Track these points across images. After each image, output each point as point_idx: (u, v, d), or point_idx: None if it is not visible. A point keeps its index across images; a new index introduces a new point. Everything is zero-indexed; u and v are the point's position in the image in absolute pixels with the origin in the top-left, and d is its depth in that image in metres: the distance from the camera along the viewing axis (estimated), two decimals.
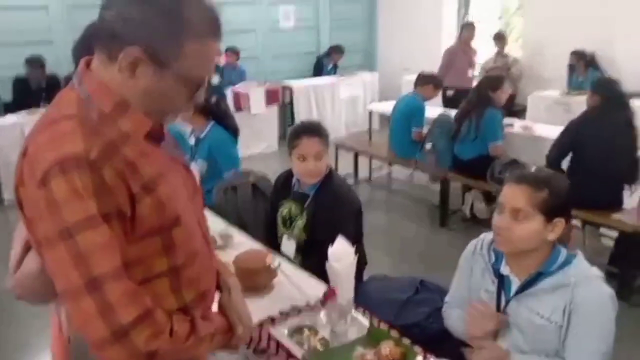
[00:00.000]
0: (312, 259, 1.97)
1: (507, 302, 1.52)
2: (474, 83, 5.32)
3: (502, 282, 1.55)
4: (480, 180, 3.90)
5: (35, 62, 5.28)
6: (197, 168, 3.22)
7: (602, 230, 3.60)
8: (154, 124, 1.01)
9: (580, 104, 5.04)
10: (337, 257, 1.53)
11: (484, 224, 4.14)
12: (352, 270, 1.54)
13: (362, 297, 2.10)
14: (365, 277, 2.30)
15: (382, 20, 8.77)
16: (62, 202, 0.86)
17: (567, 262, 1.47)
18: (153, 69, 0.95)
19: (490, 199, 4.14)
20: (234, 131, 3.26)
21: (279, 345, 1.50)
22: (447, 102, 5.89)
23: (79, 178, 0.87)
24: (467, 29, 6.25)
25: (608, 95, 3.28)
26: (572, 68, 6.14)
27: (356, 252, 2.28)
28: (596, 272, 1.47)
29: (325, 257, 1.95)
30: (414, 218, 4.50)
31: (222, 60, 6.59)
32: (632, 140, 3.24)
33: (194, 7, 0.95)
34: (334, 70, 7.82)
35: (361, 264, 2.34)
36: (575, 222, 3.56)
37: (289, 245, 2.23)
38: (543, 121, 5.00)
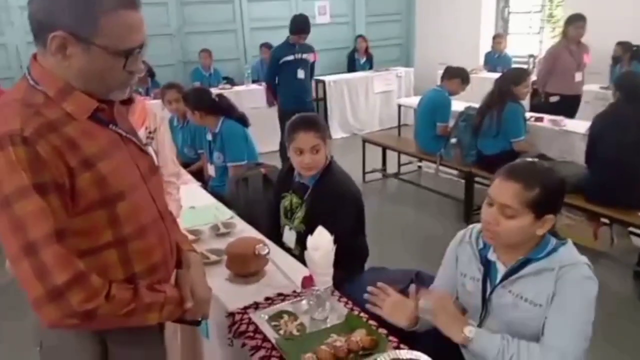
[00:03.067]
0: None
1: (493, 289, 1.50)
2: (584, 87, 4.95)
3: (488, 269, 1.53)
4: None
5: None
6: (215, 161, 3.34)
7: (635, 229, 3.45)
8: (102, 104, 1.11)
9: None
10: (316, 245, 1.56)
11: None
12: (330, 259, 1.56)
13: (357, 287, 2.11)
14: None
15: (420, 14, 8.65)
16: (0, 174, 0.97)
17: (554, 249, 1.44)
18: (80, 48, 1.04)
19: None
20: (243, 122, 3.32)
21: (256, 329, 1.53)
22: (552, 110, 4.80)
23: (13, 152, 0.97)
24: (574, 25, 4.95)
25: (628, 89, 3.12)
26: (616, 60, 5.87)
27: (357, 244, 2.33)
28: (582, 259, 1.44)
29: None
30: (438, 213, 4.44)
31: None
32: None
33: None
34: (370, 65, 7.80)
35: (362, 255, 2.35)
36: (603, 220, 3.44)
37: (289, 236, 2.27)
38: (581, 116, 4.80)
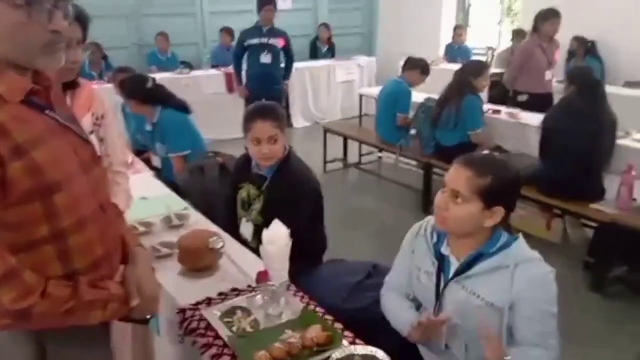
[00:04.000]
0: None
1: (446, 284, 1.50)
2: (554, 85, 4.73)
3: (442, 263, 1.52)
4: None
5: None
6: (159, 152, 3.22)
7: (587, 221, 3.55)
8: (36, 86, 1.03)
9: None
10: (271, 239, 1.50)
11: None
12: (285, 253, 1.51)
13: (314, 280, 2.08)
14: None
15: (382, 3, 8.64)
16: None
17: (506, 244, 1.45)
18: None
19: None
20: (184, 109, 3.18)
21: (208, 325, 1.48)
22: (522, 108, 4.57)
23: None
24: (550, 21, 4.62)
25: (581, 83, 3.20)
26: (571, 54, 6.02)
27: (315, 236, 2.29)
28: (536, 255, 1.45)
29: None
30: (397, 204, 4.46)
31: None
32: (605, 129, 3.17)
33: None
34: (331, 54, 7.75)
35: (319, 248, 2.32)
36: (556, 211, 3.52)
37: (246, 228, 2.20)
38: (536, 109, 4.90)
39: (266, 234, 1.53)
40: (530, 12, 6.56)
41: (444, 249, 1.53)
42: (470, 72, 3.89)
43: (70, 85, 1.76)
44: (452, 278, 1.49)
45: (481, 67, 3.98)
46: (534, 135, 3.73)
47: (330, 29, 7.69)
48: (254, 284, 1.70)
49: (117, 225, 1.27)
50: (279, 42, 5.14)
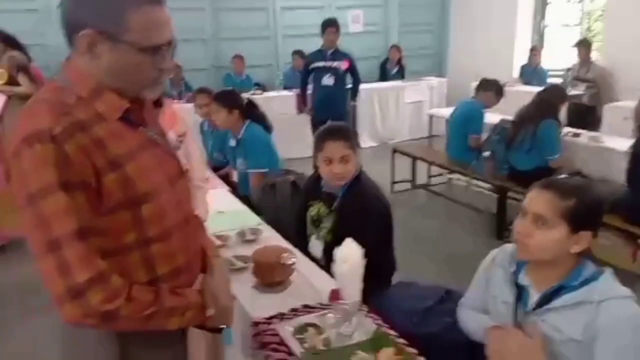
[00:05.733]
0: None
1: (525, 316, 1.43)
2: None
3: (520, 294, 1.45)
4: None
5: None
6: (239, 167, 3.33)
7: None
8: (132, 105, 1.11)
9: None
10: (344, 258, 1.51)
11: None
12: (358, 273, 1.51)
13: (385, 302, 2.05)
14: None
15: (454, 24, 8.55)
16: (27, 171, 0.99)
17: (593, 278, 1.35)
18: (109, 46, 1.06)
19: None
20: (267, 128, 3.30)
21: (281, 341, 1.49)
22: None
23: (41, 150, 0.98)
24: None
25: None
26: None
27: (385, 256, 2.27)
28: (626, 292, 1.34)
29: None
30: (468, 228, 4.33)
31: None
32: None
33: None
34: (401, 75, 7.74)
35: (389, 269, 2.29)
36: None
37: (316, 245, 2.22)
38: (618, 134, 4.63)
39: (339, 252, 1.54)
40: (613, 34, 6.34)
41: (523, 279, 1.46)
42: (555, 95, 3.75)
43: (155, 105, 1.86)
44: (532, 311, 1.42)
45: (564, 91, 3.83)
46: (619, 160, 3.53)
47: (401, 50, 7.70)
48: (325, 302, 1.70)
49: (199, 236, 1.32)
50: (343, 65, 5.21)
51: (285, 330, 1.54)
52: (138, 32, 1.05)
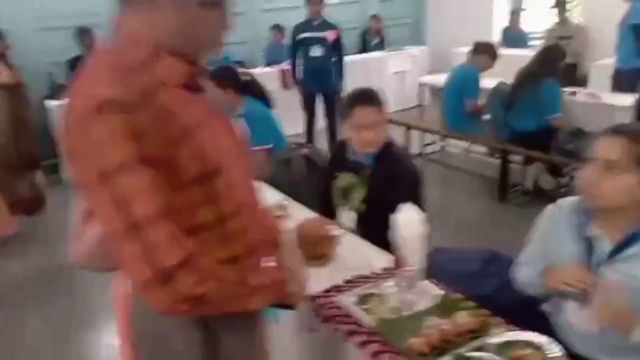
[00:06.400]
0: (373, 230, 1.90)
1: (599, 267, 1.40)
2: None
3: (590, 245, 1.43)
4: (542, 152, 3.72)
5: (87, 33, 5.20)
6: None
7: None
8: (191, 70, 1.00)
9: None
10: (405, 224, 1.45)
11: (549, 196, 3.96)
12: (422, 237, 1.45)
13: (429, 268, 2.01)
14: None
15: None
16: (101, 145, 0.87)
17: None
18: (172, 2, 0.94)
19: (555, 170, 3.95)
20: (267, 104, 3.23)
21: (347, 313, 1.43)
22: None
23: (117, 121, 0.86)
24: None
25: None
26: None
27: None
28: None
29: (385, 228, 1.89)
30: (470, 193, 4.33)
31: None
32: None
33: None
34: (381, 46, 7.64)
35: None
36: None
37: (348, 216, 2.16)
38: (606, 91, 4.68)
39: (399, 219, 1.47)
40: None
41: (594, 230, 1.43)
42: (554, 54, 3.75)
43: None
44: (606, 260, 1.39)
45: (563, 50, 3.83)
46: (622, 115, 3.56)
47: (381, 20, 7.58)
48: (377, 271, 1.65)
49: (265, 210, 1.24)
50: (330, 35, 5.07)
51: (348, 301, 1.48)
52: None
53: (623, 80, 4.33)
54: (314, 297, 1.53)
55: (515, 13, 7.02)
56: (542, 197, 3.99)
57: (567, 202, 1.53)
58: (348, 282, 1.60)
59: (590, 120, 3.92)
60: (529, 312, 1.64)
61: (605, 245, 1.41)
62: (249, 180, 1.14)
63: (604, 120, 3.85)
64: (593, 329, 1.39)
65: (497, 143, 4.12)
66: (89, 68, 0.96)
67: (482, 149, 4.58)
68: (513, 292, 1.72)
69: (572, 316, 1.47)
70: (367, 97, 2.04)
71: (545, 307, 1.65)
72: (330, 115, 5.31)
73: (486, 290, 1.84)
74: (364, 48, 7.66)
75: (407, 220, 1.45)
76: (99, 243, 1.09)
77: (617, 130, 1.37)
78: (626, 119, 3.35)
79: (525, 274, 1.61)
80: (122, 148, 0.86)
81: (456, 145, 5.05)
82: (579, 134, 3.67)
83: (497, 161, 4.33)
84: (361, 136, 2.02)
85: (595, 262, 1.41)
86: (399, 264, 1.50)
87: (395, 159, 2.08)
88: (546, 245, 1.55)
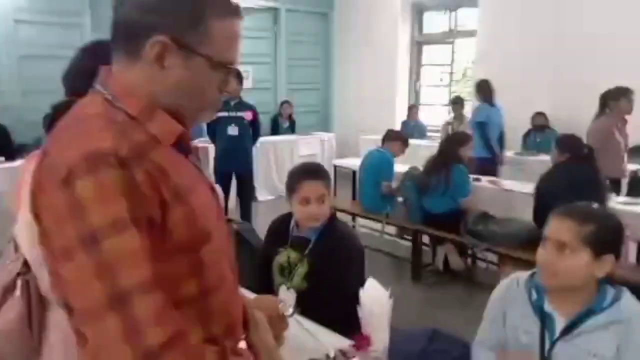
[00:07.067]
0: (316, 309, 1.83)
1: (553, 343, 1.44)
2: (628, 170, 4.42)
3: (544, 322, 1.47)
4: (452, 233, 3.93)
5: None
6: None
7: None
8: (183, 130, 0.93)
9: (534, 163, 5.27)
10: (372, 300, 1.41)
11: (459, 277, 4.14)
12: (388, 315, 1.41)
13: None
14: None
15: (339, 84, 9.05)
16: (87, 203, 0.76)
17: (617, 297, 1.42)
18: (182, 57, 0.88)
19: (463, 251, 4.17)
20: None
21: None
22: None
23: (108, 176, 0.76)
24: (627, 97, 4.19)
25: (575, 150, 3.43)
26: (535, 128, 6.28)
27: None
28: None
29: (329, 307, 1.83)
30: (383, 274, 4.39)
31: None
32: (599, 194, 3.36)
33: None
34: (292, 129, 7.91)
35: None
36: None
37: (288, 295, 2.06)
38: (512, 179, 5.07)
39: (364, 294, 1.43)
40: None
41: (547, 307, 1.48)
42: (457, 142, 4.07)
43: None
44: (560, 337, 1.44)
45: (465, 137, 4.18)
46: (521, 200, 3.90)
47: (292, 105, 7.91)
48: (331, 353, 1.56)
49: (237, 286, 1.14)
50: (248, 115, 5.14)
51: None
52: (218, 44, 0.90)
53: (473, 168, 4.68)
54: None
55: (412, 107, 7.71)
56: (455, 275, 4.18)
57: (523, 277, 1.58)
58: None
59: (493, 204, 4.25)
60: None
61: (558, 322, 1.46)
62: (229, 250, 1.05)
63: (504, 205, 4.22)
64: None
65: (409, 224, 4.29)
66: (76, 117, 0.86)
67: (392, 230, 4.73)
68: None
69: None
70: (314, 171, 2.05)
71: None
72: (242, 195, 5.26)
73: None
74: (276, 131, 7.85)
75: (375, 297, 1.41)
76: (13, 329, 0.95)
77: (567, 212, 1.45)
78: (526, 204, 3.69)
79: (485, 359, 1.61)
80: (113, 206, 0.76)
81: (365, 226, 5.16)
82: (485, 217, 3.94)
83: (407, 242, 4.51)
84: (307, 210, 2.00)
85: (550, 336, 1.45)
86: (361, 343, 1.44)
87: (339, 234, 2.07)
88: (502, 320, 1.57)
